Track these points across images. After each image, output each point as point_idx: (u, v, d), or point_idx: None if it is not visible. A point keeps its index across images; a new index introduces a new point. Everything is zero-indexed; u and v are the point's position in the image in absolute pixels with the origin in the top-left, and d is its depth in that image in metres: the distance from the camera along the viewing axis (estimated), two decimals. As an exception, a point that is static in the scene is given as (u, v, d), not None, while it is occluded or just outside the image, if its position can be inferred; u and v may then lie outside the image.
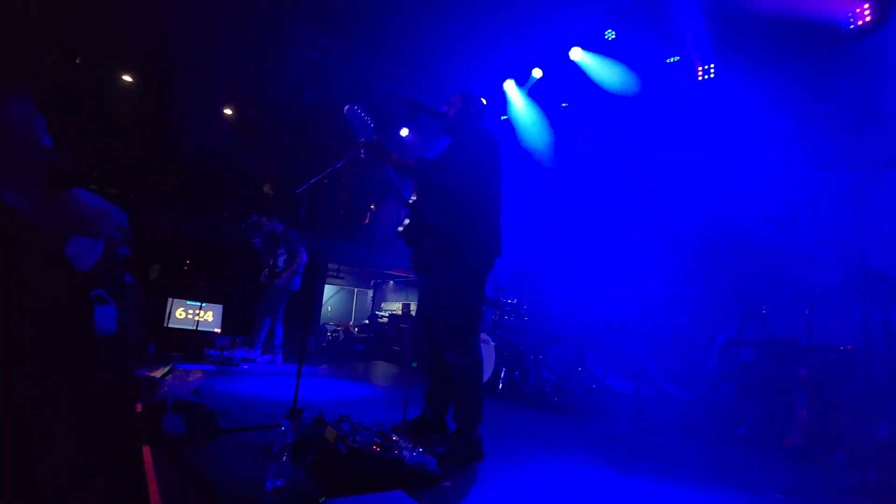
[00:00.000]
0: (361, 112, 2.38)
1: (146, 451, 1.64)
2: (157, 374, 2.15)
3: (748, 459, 2.90)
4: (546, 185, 7.10)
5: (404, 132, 7.03)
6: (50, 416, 0.67)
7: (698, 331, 4.79)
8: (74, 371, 0.74)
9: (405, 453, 1.72)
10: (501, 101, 7.04)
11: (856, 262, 3.72)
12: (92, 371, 0.84)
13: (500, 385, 4.55)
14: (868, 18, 4.15)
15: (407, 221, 2.51)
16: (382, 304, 9.70)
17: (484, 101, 2.67)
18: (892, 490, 2.11)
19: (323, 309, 9.58)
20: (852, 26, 4.24)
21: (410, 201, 2.53)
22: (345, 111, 2.35)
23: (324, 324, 8.45)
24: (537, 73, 6.64)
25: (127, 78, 7.00)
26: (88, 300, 2.12)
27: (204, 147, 7.02)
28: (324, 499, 1.43)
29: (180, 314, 6.81)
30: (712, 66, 5.27)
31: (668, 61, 5.54)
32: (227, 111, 7.45)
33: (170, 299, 6.72)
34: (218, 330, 7.10)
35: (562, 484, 1.97)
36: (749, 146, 4.89)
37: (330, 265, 9.61)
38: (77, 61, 6.09)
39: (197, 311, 6.61)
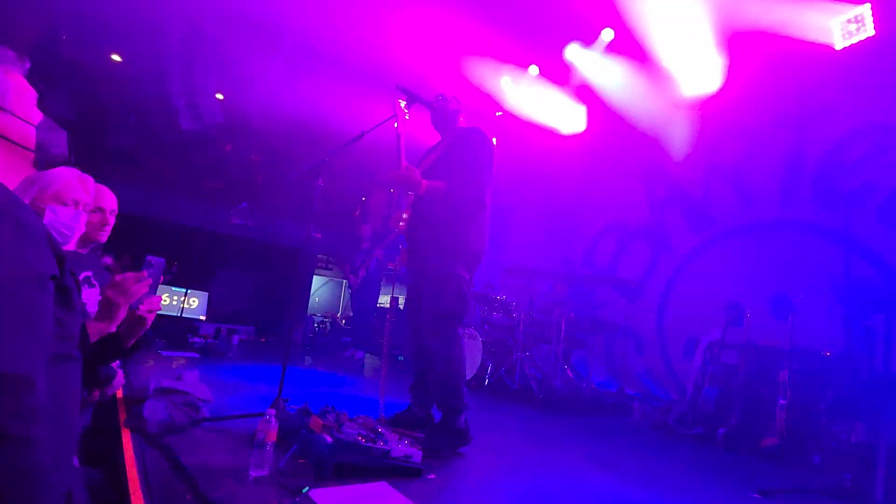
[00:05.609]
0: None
1: (126, 437, 1.61)
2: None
3: (727, 459, 2.95)
4: (540, 185, 7.11)
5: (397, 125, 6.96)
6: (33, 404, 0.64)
7: (683, 333, 4.85)
8: (59, 357, 0.71)
9: (390, 445, 1.72)
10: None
11: (840, 269, 3.79)
12: (78, 357, 0.81)
13: (487, 380, 4.57)
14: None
15: (405, 216, 2.53)
16: (371, 297, 9.65)
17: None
18: (866, 492, 2.16)
19: (311, 300, 9.50)
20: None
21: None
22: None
23: (311, 315, 8.39)
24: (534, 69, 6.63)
25: (115, 57, 6.83)
26: (77, 282, 2.07)
27: (193, 131, 6.89)
28: (307, 489, 1.41)
29: (164, 300, 6.71)
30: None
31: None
32: (219, 96, 7.32)
33: (154, 285, 6.60)
34: (203, 317, 7.01)
35: (544, 480, 1.98)
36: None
37: (319, 256, 9.53)
38: (63, 38, 5.93)
39: (182, 298, 6.52)
